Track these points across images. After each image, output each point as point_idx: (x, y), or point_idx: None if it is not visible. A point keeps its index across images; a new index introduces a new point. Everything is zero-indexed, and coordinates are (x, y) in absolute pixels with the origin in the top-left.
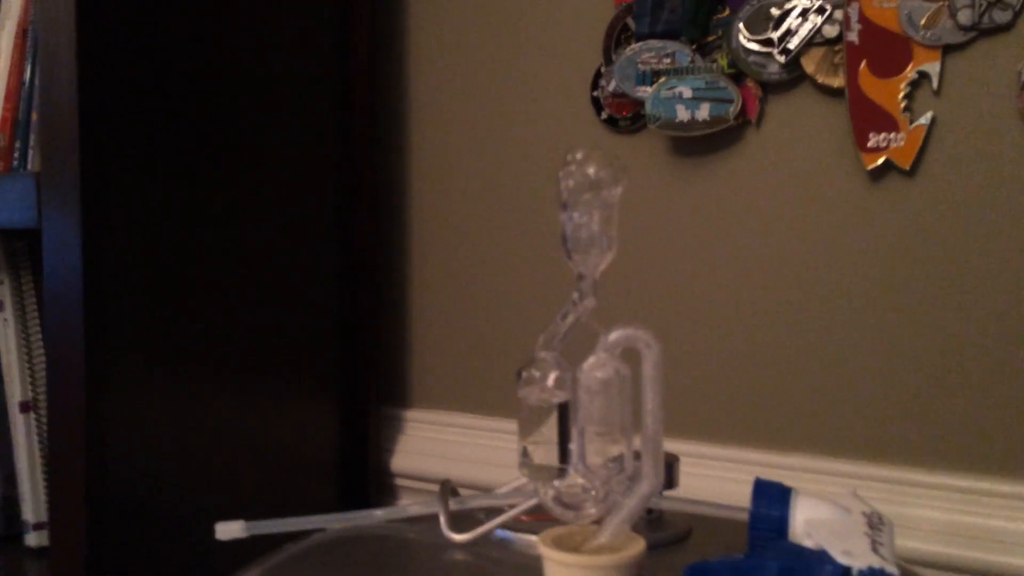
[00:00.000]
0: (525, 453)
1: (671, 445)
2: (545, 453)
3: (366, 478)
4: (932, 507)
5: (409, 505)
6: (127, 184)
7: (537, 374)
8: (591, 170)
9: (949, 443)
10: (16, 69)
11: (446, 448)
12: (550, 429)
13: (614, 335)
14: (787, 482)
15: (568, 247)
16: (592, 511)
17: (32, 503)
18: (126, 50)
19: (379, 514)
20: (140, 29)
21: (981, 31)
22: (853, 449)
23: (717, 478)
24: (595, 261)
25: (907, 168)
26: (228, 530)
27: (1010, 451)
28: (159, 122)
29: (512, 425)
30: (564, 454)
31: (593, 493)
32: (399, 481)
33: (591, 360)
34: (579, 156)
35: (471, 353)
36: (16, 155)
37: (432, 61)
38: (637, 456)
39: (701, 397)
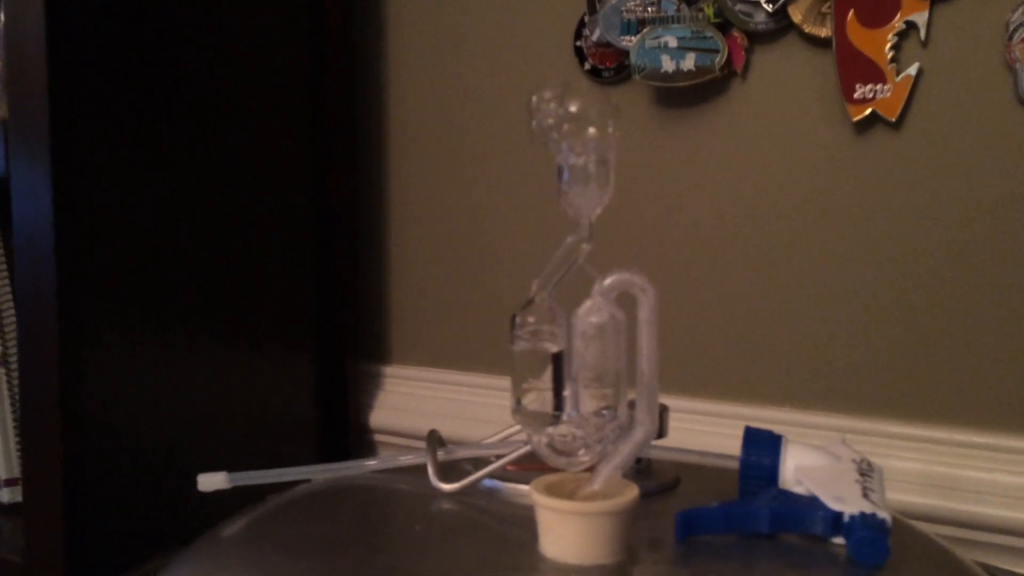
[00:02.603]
0: (518, 400)
1: None
2: (539, 400)
3: (345, 434)
4: (910, 459)
5: (396, 455)
6: (98, 133)
7: (531, 319)
8: (573, 107)
9: (928, 396)
10: None
11: (425, 404)
12: (544, 376)
13: (609, 280)
14: None
15: (564, 189)
16: (585, 458)
17: (3, 459)
18: None
19: (365, 464)
20: None
21: None
22: (833, 402)
23: (700, 432)
24: (591, 203)
25: (893, 120)
26: (211, 481)
27: (987, 404)
28: (131, 71)
29: (491, 380)
30: (558, 401)
31: (586, 440)
32: (378, 437)
33: (586, 305)
34: (547, 95)
35: (449, 308)
36: None
37: (410, 10)
38: (631, 405)
39: (684, 351)
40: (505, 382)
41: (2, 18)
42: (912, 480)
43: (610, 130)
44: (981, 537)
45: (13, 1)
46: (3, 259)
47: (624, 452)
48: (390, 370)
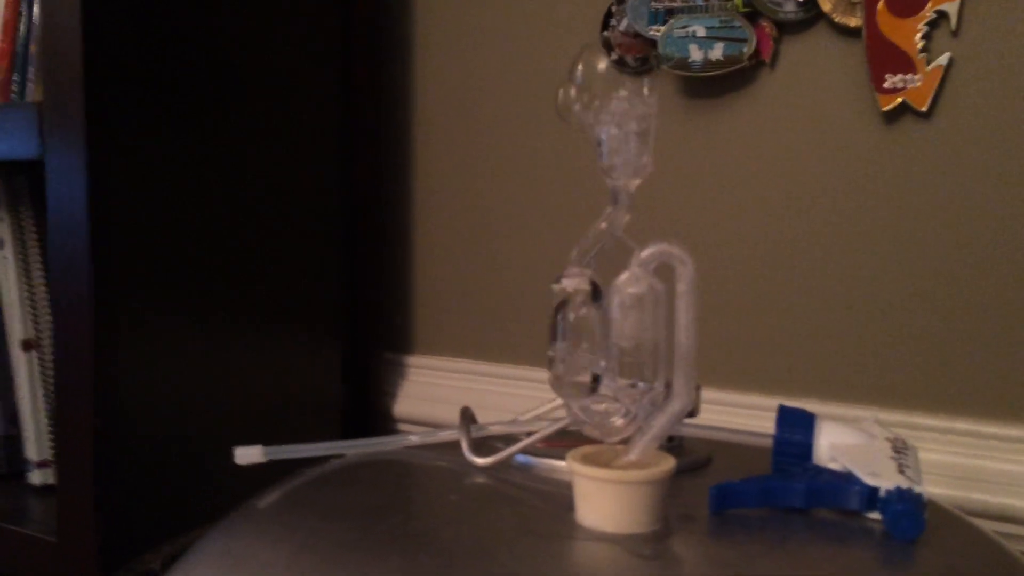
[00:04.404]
0: (556, 372)
1: None
2: (576, 371)
3: (369, 423)
4: (938, 450)
5: (433, 431)
6: (131, 117)
7: (569, 288)
8: (602, 65)
9: (957, 388)
10: (13, 1)
11: (448, 393)
12: (581, 346)
13: (648, 251)
14: None
15: (603, 159)
16: (622, 428)
17: (35, 441)
18: None
19: (400, 439)
20: None
21: None
22: (861, 394)
23: (726, 423)
24: (630, 173)
25: (923, 110)
26: (247, 455)
27: (1017, 396)
28: (163, 54)
29: (513, 371)
30: (596, 373)
31: (624, 412)
32: (401, 426)
33: (624, 276)
34: (573, 92)
35: (473, 299)
36: (14, 88)
37: (436, 2)
38: (668, 382)
39: (711, 343)
40: (528, 372)
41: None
42: (940, 472)
43: (646, 90)
44: (1009, 529)
45: None
46: (36, 242)
47: (661, 423)
48: (413, 360)
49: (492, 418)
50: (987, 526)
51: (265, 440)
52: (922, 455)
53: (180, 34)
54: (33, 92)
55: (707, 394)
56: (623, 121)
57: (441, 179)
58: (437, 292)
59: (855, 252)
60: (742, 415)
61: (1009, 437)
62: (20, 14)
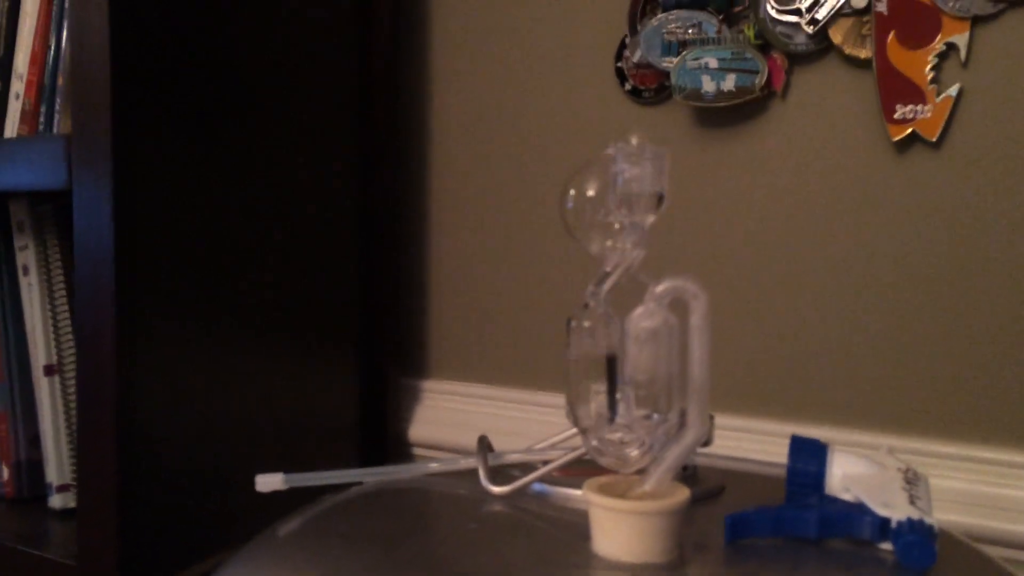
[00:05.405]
0: (572, 403)
1: None
2: (592, 402)
3: (384, 447)
4: (953, 478)
5: (449, 459)
6: (156, 146)
7: (587, 323)
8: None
9: (971, 415)
10: (42, 33)
11: (463, 418)
12: (598, 380)
13: (662, 286)
14: None
15: (618, 197)
16: (637, 459)
17: (56, 465)
18: (155, 13)
19: (419, 467)
20: None
21: (1011, 2)
22: (875, 421)
23: (740, 449)
24: (645, 210)
25: (933, 140)
26: (268, 482)
27: None
28: (187, 85)
29: (529, 396)
30: (612, 404)
31: (639, 442)
32: (416, 450)
33: (639, 310)
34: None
35: (489, 325)
36: (41, 119)
37: (455, 26)
38: (682, 414)
39: (725, 369)
40: (543, 397)
41: (65, 34)
42: (955, 499)
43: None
44: None
45: (77, 19)
46: (60, 269)
47: (675, 454)
48: (429, 384)
49: (508, 443)
50: (1005, 554)
51: (285, 463)
52: (939, 482)
53: (205, 66)
54: (60, 123)
55: (722, 420)
56: (639, 160)
57: (458, 204)
58: (453, 316)
59: (867, 280)
60: (757, 441)
61: None
62: (49, 47)
